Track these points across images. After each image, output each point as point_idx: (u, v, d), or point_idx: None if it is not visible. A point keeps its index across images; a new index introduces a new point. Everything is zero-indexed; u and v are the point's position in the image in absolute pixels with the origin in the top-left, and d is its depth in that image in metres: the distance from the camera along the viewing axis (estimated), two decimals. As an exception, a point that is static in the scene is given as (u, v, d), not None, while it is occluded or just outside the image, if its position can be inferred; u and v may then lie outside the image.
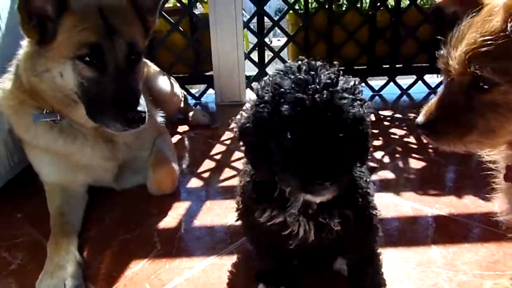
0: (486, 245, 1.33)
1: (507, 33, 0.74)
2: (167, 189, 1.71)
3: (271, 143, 0.86)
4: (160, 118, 2.11)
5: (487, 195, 1.60)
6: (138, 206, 1.66)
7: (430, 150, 2.07)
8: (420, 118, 0.88)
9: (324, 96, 0.80)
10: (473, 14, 0.84)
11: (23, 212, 1.63)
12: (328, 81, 0.83)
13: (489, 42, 0.75)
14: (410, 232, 1.42)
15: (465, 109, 0.82)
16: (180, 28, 2.81)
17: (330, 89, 0.82)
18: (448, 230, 1.42)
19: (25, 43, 1.49)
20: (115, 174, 1.68)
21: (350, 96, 0.83)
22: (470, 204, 1.57)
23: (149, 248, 1.39)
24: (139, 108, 1.39)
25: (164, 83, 2.36)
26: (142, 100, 1.42)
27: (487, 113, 0.80)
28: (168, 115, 2.35)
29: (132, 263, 1.31)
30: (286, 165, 0.84)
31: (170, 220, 1.55)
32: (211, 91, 2.99)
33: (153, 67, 2.35)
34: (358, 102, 0.85)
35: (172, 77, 2.50)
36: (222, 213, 1.57)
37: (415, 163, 1.93)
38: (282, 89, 0.84)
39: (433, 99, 0.88)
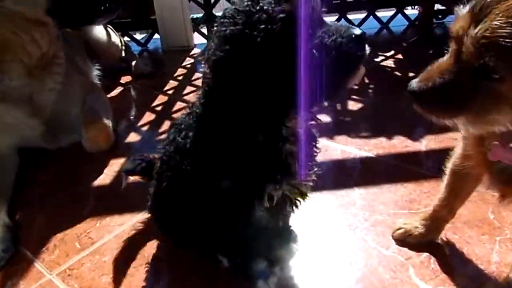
0: (405, 185, 1.40)
1: None
2: (102, 146, 1.70)
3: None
4: (95, 71, 2.05)
5: (416, 136, 1.68)
6: (74, 165, 1.65)
7: (370, 91, 2.10)
8: (415, 84, 0.80)
9: None
10: None
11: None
12: None
13: None
14: (336, 176, 1.47)
15: (466, 89, 0.75)
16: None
17: None
18: (372, 172, 1.48)
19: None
20: (44, 133, 1.64)
21: None
22: (398, 144, 1.62)
23: (81, 207, 1.40)
24: None
25: (100, 32, 2.25)
26: None
27: (487, 101, 0.74)
28: (108, 66, 2.28)
29: (64, 224, 1.33)
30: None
31: (105, 177, 1.56)
32: (158, 36, 2.88)
33: (87, 16, 2.23)
34: None
35: (109, 25, 2.38)
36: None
37: (353, 105, 1.95)
38: None
39: (434, 65, 0.80)
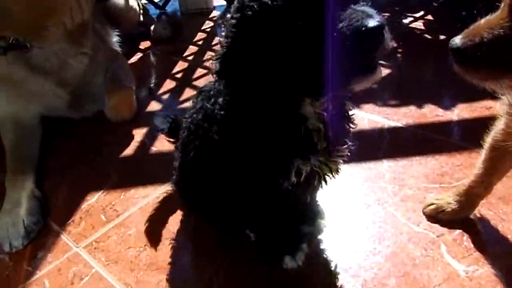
0: (437, 157, 1.34)
1: None
2: (125, 115, 1.68)
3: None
4: (114, 38, 2.00)
5: (447, 104, 1.60)
6: (96, 135, 1.64)
7: (399, 55, 2.00)
8: (457, 40, 0.71)
9: None
10: None
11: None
12: None
13: None
14: (364, 147, 1.41)
15: None
16: None
17: None
18: (401, 143, 1.42)
19: None
20: (69, 101, 1.63)
21: None
22: (428, 113, 1.55)
23: (105, 178, 1.40)
24: None
25: (117, -4, 2.18)
26: None
27: None
28: (127, 32, 2.22)
29: (88, 195, 1.34)
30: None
31: (127, 148, 1.54)
32: (176, -2, 2.79)
33: (104, -21, 2.15)
34: None
35: (126, -12, 2.30)
36: (179, 138, 1.56)
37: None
38: None
39: (480, 21, 0.71)
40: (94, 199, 1.32)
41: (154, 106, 1.80)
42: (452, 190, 1.16)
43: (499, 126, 0.97)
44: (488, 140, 1.01)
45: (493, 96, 1.58)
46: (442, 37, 2.14)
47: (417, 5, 2.53)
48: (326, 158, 0.88)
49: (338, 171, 0.94)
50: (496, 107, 1.54)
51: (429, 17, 2.37)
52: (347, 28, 0.65)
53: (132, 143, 1.56)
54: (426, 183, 1.25)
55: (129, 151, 1.53)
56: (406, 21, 2.35)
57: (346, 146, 0.90)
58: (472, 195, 1.10)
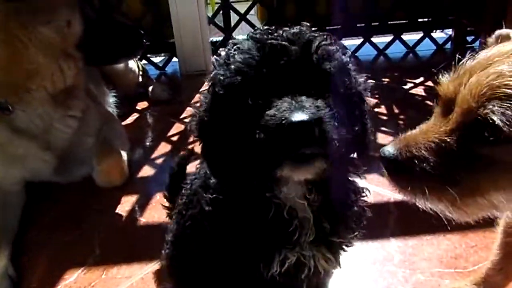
0: (448, 237, 1.24)
1: None
2: (115, 181, 1.59)
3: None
4: (111, 99, 1.96)
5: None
6: (82, 201, 1.54)
7: (401, 122, 1.95)
8: (389, 149, 0.65)
9: (305, 38, 0.66)
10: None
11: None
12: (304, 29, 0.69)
13: None
14: (369, 223, 1.31)
15: (456, 157, 0.60)
16: (136, -8, 2.58)
17: (308, 35, 0.67)
18: (410, 219, 1.32)
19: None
20: (56, 165, 1.54)
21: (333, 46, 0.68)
22: (436, 186, 1.46)
23: (87, 253, 1.28)
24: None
25: (116, 57, 2.17)
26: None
27: (481, 170, 0.59)
28: (125, 93, 2.19)
29: (67, 273, 1.21)
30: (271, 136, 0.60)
31: (114, 217, 1.44)
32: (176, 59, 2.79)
33: (103, 40, 2.15)
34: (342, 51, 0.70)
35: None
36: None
37: (383, 138, 1.80)
38: (245, 46, 0.67)
39: (414, 131, 0.67)
40: (72, 278, 1.19)
41: (147, 171, 1.71)
42: (469, 277, 1.05)
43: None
44: (501, 223, 0.91)
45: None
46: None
47: (416, 70, 2.53)
48: (320, 248, 0.78)
49: (335, 263, 0.82)
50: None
51: (429, 83, 2.35)
52: (272, 120, 0.60)
53: (120, 212, 1.46)
54: (439, 267, 1.14)
55: (116, 221, 1.42)
56: (406, 86, 2.33)
57: (351, 232, 0.81)
58: (491, 284, 0.98)
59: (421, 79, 2.38)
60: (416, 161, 0.62)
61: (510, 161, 0.57)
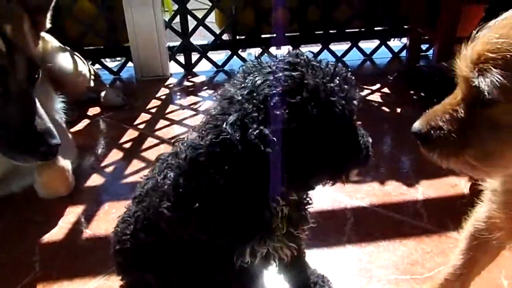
0: (404, 243, 1.23)
1: None
2: (59, 192, 1.48)
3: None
4: (58, 104, 1.84)
5: (411, 181, 1.53)
6: (24, 214, 1.43)
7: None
8: (417, 125, 0.75)
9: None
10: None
11: None
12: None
13: (501, 48, 0.62)
14: (327, 229, 1.28)
15: (465, 122, 0.70)
16: (88, -6, 2.47)
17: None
18: (367, 225, 1.31)
19: None
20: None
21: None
22: (392, 191, 1.46)
23: (26, 271, 1.17)
24: (53, 141, 1.18)
25: (65, 61, 2.06)
26: (53, 129, 1.21)
27: (484, 132, 0.68)
28: (74, 98, 2.08)
29: (1, 294, 1.11)
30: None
31: (57, 231, 1.34)
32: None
33: (52, 43, 2.04)
34: None
35: (77, 53, 2.20)
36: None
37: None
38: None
39: (437, 106, 0.75)
40: (7, 299, 1.09)
41: (95, 179, 1.61)
42: (425, 283, 1.03)
43: (480, 213, 0.86)
44: (468, 228, 0.90)
45: (457, 173, 1.53)
46: (399, 110, 2.14)
47: (373, 77, 2.56)
48: (284, 241, 0.84)
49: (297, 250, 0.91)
50: (461, 184, 1.49)
51: (386, 89, 2.38)
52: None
53: (63, 225, 1.36)
54: (396, 274, 1.12)
55: (59, 234, 1.32)
56: (363, 93, 2.35)
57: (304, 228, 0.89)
58: (448, 290, 0.97)
59: (378, 85, 2.41)
60: (435, 131, 0.72)
61: (507, 120, 0.64)
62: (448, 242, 1.23)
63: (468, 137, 0.69)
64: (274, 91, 0.68)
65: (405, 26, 2.78)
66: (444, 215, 1.33)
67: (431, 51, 2.83)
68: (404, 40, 2.96)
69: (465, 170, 0.74)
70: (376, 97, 2.30)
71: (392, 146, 1.79)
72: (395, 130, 1.94)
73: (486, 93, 0.63)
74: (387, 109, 2.17)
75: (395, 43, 3.10)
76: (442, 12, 2.25)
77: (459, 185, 1.48)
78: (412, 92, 2.31)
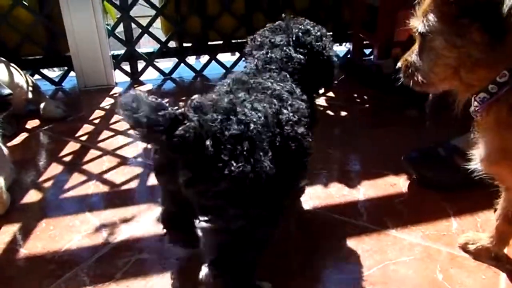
0: (346, 242, 1.26)
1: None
2: (-8, 211, 1.40)
3: None
4: (-10, 119, 1.75)
5: (353, 182, 1.57)
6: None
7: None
8: (399, 63, 1.07)
9: None
10: None
11: None
12: None
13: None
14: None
15: (419, 53, 1.01)
16: (25, 2, 2.36)
17: None
18: (310, 229, 1.33)
19: None
20: None
21: None
22: (335, 193, 1.50)
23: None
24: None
25: (0, 72, 1.96)
26: None
27: (423, 55, 0.99)
28: (12, 110, 1.98)
29: None
30: None
31: (-11, 252, 1.26)
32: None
33: (-16, 54, 1.93)
34: None
35: (14, 63, 2.10)
36: (58, 235, 1.32)
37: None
38: None
39: (408, 52, 1.06)
40: None
41: (32, 196, 1.54)
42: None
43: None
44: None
45: (396, 172, 1.58)
46: (344, 113, 2.20)
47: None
48: None
49: None
50: (399, 183, 1.55)
51: (330, 93, 2.44)
52: None
53: (-3, 245, 1.29)
54: (338, 274, 1.14)
55: (-9, 256, 1.25)
56: (309, 97, 2.39)
57: None
58: None
59: (322, 89, 2.46)
60: (406, 65, 1.05)
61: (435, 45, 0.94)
62: (387, 240, 1.27)
63: (419, 62, 1.00)
64: None
65: (349, 32, 2.88)
66: (383, 213, 1.38)
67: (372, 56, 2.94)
68: (349, 45, 3.06)
69: (417, 88, 1.03)
70: (321, 101, 2.35)
71: (336, 149, 1.83)
72: (340, 132, 2.00)
73: (425, 30, 0.93)
74: (331, 113, 2.22)
75: (340, 48, 3.19)
76: (380, 17, 2.35)
77: (397, 184, 1.54)
78: (355, 95, 2.39)
